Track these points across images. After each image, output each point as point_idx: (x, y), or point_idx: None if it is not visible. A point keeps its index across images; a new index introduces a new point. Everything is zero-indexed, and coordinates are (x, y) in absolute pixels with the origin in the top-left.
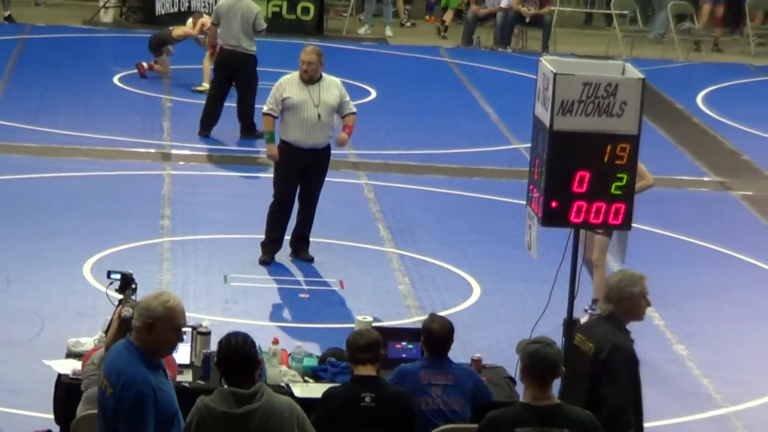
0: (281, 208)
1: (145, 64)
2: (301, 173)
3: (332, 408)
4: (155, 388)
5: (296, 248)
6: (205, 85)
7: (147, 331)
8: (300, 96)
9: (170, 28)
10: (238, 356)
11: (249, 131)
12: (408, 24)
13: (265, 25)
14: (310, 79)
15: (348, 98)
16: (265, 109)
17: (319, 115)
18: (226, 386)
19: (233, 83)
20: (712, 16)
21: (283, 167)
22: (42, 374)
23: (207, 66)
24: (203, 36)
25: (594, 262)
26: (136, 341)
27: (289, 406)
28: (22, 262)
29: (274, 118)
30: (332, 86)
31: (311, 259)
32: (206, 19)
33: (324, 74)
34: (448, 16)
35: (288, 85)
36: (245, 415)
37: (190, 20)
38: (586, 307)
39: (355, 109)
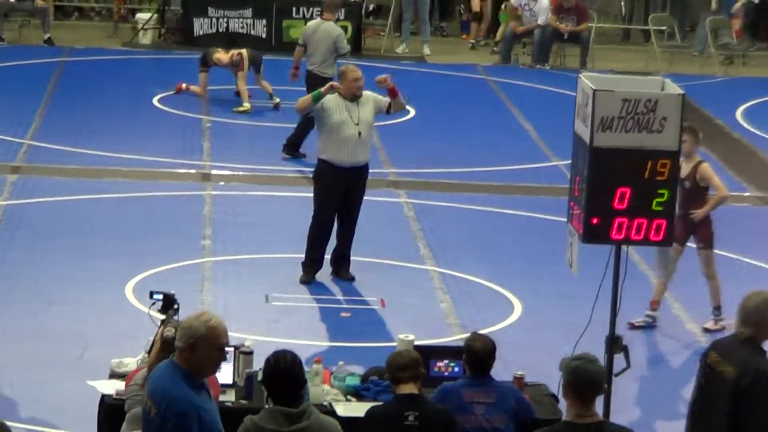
0: (322, 227)
1: (183, 85)
2: (342, 193)
3: (376, 427)
4: (199, 408)
5: (337, 268)
6: (246, 105)
7: (190, 351)
8: (340, 115)
9: (216, 49)
10: (287, 375)
11: (291, 150)
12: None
13: (347, 48)
14: (359, 96)
15: (379, 97)
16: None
17: (359, 133)
18: (272, 405)
19: None
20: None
21: (324, 187)
22: (86, 395)
23: (243, 87)
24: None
25: (707, 275)
26: (179, 361)
27: (336, 428)
28: (63, 284)
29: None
30: (367, 101)
31: (352, 278)
32: (244, 51)
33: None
34: (501, 31)
35: (328, 102)
36: None
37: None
38: (635, 322)
39: (388, 99)
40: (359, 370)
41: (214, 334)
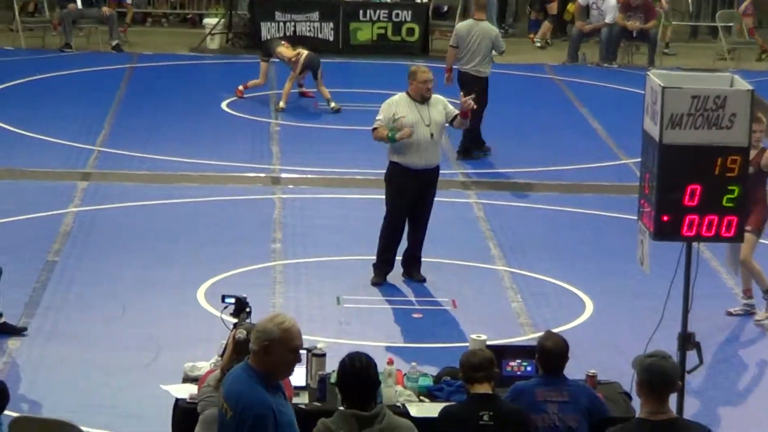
0: (393, 229)
1: (240, 87)
2: (414, 194)
3: (450, 426)
4: (275, 410)
5: (408, 269)
6: (282, 105)
7: (264, 353)
8: (412, 116)
9: (281, 42)
10: (361, 378)
11: (467, 153)
12: (539, 43)
13: (504, 46)
14: (429, 97)
15: (450, 108)
16: (374, 125)
17: (431, 135)
18: (345, 408)
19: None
20: None
21: (396, 189)
22: (160, 399)
23: (288, 87)
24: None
25: (742, 261)
26: (254, 364)
27: (409, 427)
28: (136, 290)
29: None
30: (438, 104)
31: (423, 280)
32: (302, 51)
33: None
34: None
35: (398, 105)
36: None
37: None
38: (732, 311)
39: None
40: (432, 370)
41: (288, 336)
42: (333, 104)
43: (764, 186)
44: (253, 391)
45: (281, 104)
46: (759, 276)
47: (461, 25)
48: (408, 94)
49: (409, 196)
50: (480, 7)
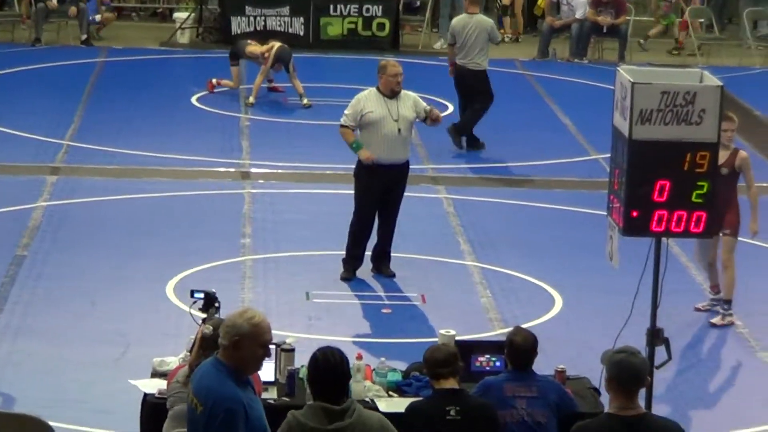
0: (363, 224)
1: (214, 81)
2: (382, 190)
3: (417, 422)
4: (245, 405)
5: (378, 264)
6: (252, 100)
7: (233, 348)
8: (380, 111)
9: (248, 42)
10: (336, 373)
11: (464, 142)
12: (510, 39)
13: (500, 37)
14: (398, 92)
15: (422, 104)
16: (342, 121)
17: (399, 130)
18: (315, 401)
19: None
20: None
21: (365, 184)
22: (128, 394)
23: (259, 82)
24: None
25: (724, 263)
26: (223, 359)
27: (380, 423)
28: (105, 284)
29: (351, 129)
30: (408, 99)
31: (393, 275)
32: (274, 44)
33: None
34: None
35: (367, 100)
36: None
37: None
38: (700, 306)
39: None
40: (401, 365)
41: (257, 331)
42: (305, 100)
43: (736, 189)
44: (224, 386)
45: (251, 99)
46: (730, 284)
47: (456, 21)
48: (378, 89)
49: (378, 191)
50: (473, 0)
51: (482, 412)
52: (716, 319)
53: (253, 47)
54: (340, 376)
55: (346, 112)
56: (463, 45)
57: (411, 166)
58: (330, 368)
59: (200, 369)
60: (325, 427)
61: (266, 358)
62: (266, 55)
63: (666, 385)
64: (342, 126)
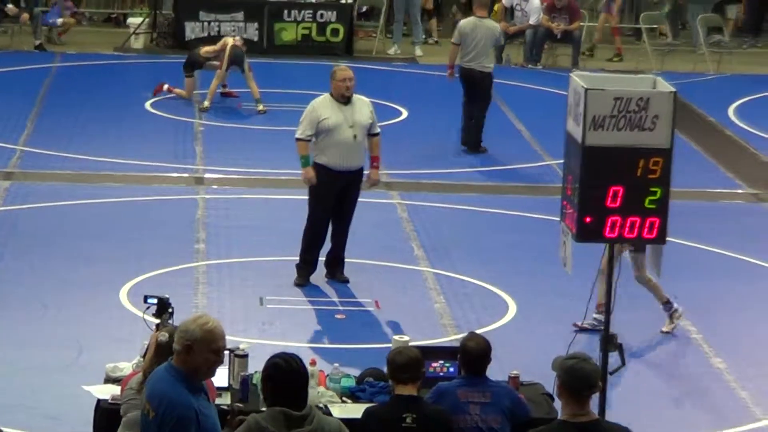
0: (316, 230)
1: (165, 87)
2: (336, 196)
3: (374, 427)
4: (197, 411)
5: (331, 270)
6: (207, 104)
7: (186, 353)
8: (336, 118)
9: (201, 46)
10: (297, 378)
11: (475, 147)
12: (432, 41)
13: (503, 41)
14: (350, 97)
15: (375, 118)
16: (298, 134)
17: (354, 136)
18: (273, 407)
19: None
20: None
21: (319, 190)
22: (81, 400)
23: (214, 86)
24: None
25: (646, 283)
26: (176, 364)
27: (339, 429)
28: (57, 288)
29: (308, 142)
30: (363, 105)
31: (347, 280)
32: (229, 39)
33: (354, 94)
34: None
35: (321, 107)
36: None
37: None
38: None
39: (379, 130)
40: (354, 371)
41: (210, 337)
42: (261, 106)
43: None
44: (176, 392)
45: (206, 103)
46: (655, 289)
47: (465, 23)
48: (331, 95)
49: (332, 197)
50: (482, 4)
51: (437, 419)
52: (665, 327)
53: (207, 47)
54: (302, 382)
55: (301, 122)
56: (472, 48)
57: (365, 172)
58: (292, 372)
59: (154, 374)
60: None
61: (220, 365)
62: (220, 49)
63: (619, 391)
64: (298, 139)
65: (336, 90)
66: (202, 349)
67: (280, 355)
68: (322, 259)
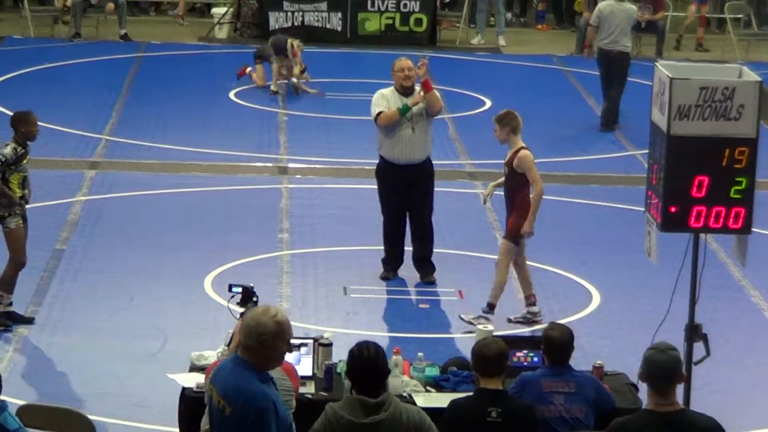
0: (392, 223)
1: (248, 69)
2: (404, 190)
3: (458, 420)
4: (275, 402)
5: (418, 270)
6: (274, 88)
7: (260, 346)
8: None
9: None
10: (370, 366)
11: (610, 125)
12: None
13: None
14: (411, 87)
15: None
16: (374, 114)
17: (412, 129)
18: (354, 395)
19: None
20: None
21: (385, 184)
22: (167, 388)
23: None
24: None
25: (497, 265)
26: (245, 357)
27: (418, 416)
28: (143, 278)
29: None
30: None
31: (432, 282)
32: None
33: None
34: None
35: (383, 97)
36: (371, 426)
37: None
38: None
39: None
40: (438, 360)
41: (282, 329)
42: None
43: (524, 190)
44: (252, 385)
45: (273, 87)
46: (497, 286)
47: (604, 5)
48: (394, 87)
49: (399, 191)
50: None
51: (524, 414)
52: (466, 315)
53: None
54: (376, 370)
55: (372, 106)
56: (613, 30)
57: (448, 162)
58: (365, 361)
59: (222, 369)
60: (361, 420)
61: (288, 353)
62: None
63: (704, 380)
64: (379, 115)
65: (396, 81)
66: (276, 341)
67: (359, 343)
68: (409, 249)
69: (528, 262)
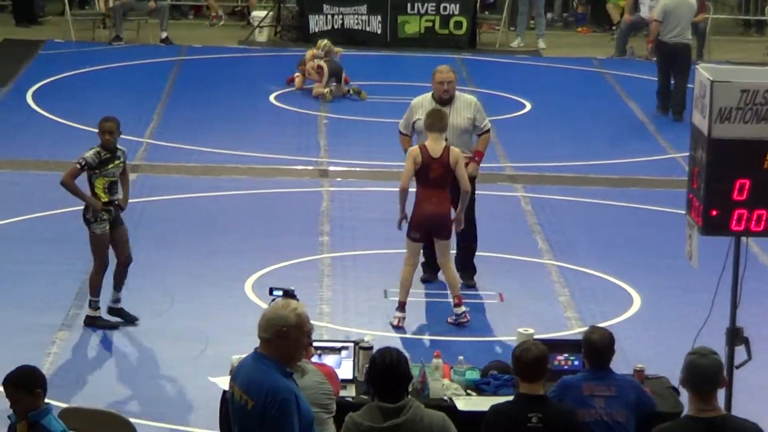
0: None
1: (298, 75)
2: None
3: (499, 424)
4: (297, 395)
5: (461, 273)
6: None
7: (280, 339)
8: None
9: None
10: (392, 373)
11: (680, 113)
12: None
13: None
14: (449, 99)
15: (482, 116)
16: (400, 127)
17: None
18: (375, 401)
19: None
20: None
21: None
22: (208, 391)
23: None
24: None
25: (441, 266)
26: (266, 352)
27: (442, 422)
28: (184, 281)
29: (407, 137)
30: (464, 107)
31: (472, 286)
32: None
33: (459, 93)
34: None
35: (419, 106)
36: (389, 429)
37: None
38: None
39: (488, 127)
40: (479, 364)
41: (302, 321)
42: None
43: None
44: (274, 379)
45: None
46: (453, 283)
47: (668, 1)
48: (432, 95)
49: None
50: None
51: (564, 419)
52: (451, 318)
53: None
54: (396, 375)
55: (404, 117)
56: (677, 24)
57: (488, 165)
58: (386, 368)
59: (243, 366)
60: (380, 425)
61: (309, 346)
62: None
63: (747, 385)
64: (400, 132)
65: (435, 91)
66: (297, 333)
67: (380, 349)
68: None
69: (567, 265)
